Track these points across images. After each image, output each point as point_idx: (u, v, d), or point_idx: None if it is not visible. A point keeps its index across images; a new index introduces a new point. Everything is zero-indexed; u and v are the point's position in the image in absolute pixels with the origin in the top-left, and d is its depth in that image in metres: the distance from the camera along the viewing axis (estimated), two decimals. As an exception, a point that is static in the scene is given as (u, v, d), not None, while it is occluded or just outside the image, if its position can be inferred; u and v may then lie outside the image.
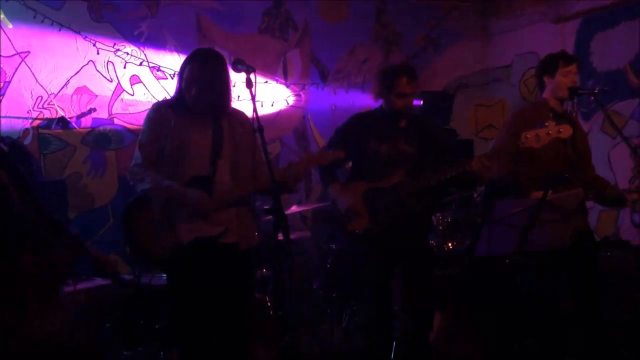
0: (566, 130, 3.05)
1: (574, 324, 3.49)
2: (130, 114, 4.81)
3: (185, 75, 2.81)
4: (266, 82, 5.37)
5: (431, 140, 3.48)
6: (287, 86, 5.54)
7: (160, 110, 2.90)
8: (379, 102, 3.52)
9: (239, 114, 2.99)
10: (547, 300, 3.44)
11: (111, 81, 4.76)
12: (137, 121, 4.72)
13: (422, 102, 5.58)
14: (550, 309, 3.43)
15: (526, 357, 3.61)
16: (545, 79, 3.47)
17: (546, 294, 3.44)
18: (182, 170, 2.80)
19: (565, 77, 3.40)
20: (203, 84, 2.78)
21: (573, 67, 3.42)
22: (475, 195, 4.97)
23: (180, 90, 2.86)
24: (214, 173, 2.81)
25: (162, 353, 3.64)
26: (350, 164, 3.64)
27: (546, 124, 3.07)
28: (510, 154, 3.42)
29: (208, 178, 2.80)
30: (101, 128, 4.71)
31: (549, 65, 3.46)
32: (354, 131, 3.49)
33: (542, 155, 3.41)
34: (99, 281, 3.84)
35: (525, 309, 3.57)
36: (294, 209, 4.73)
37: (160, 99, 4.41)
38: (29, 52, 4.33)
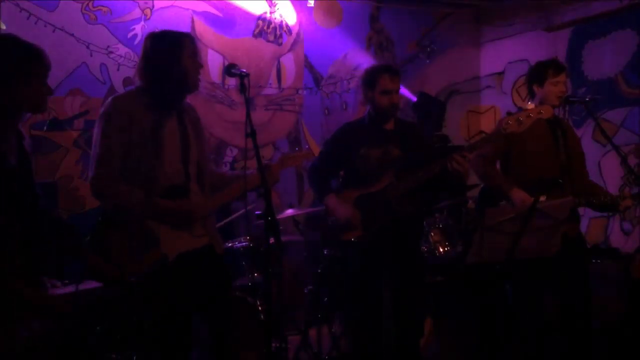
0: (547, 111, 3.07)
1: (559, 331, 3.51)
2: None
3: (186, 52, 2.62)
4: (260, 86, 5.38)
5: (417, 143, 3.51)
6: (281, 91, 5.55)
7: (126, 107, 2.58)
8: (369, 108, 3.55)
9: (190, 106, 2.83)
10: (532, 307, 3.46)
11: (104, 83, 4.75)
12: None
13: (417, 98, 5.64)
14: (535, 317, 3.46)
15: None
16: (535, 87, 3.50)
17: (532, 302, 3.46)
18: (155, 180, 2.58)
19: (555, 87, 3.43)
20: (199, 57, 2.69)
21: (562, 77, 3.45)
22: (469, 202, 4.99)
23: (169, 76, 2.58)
24: (188, 181, 2.67)
25: (152, 356, 3.62)
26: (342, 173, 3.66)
27: (526, 107, 3.10)
28: (496, 153, 3.45)
29: (182, 187, 2.64)
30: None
31: (538, 74, 3.48)
32: (344, 140, 3.50)
33: (535, 160, 3.44)
34: (91, 284, 3.82)
35: (512, 317, 3.59)
36: (286, 213, 4.73)
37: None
38: (22, 53, 4.32)
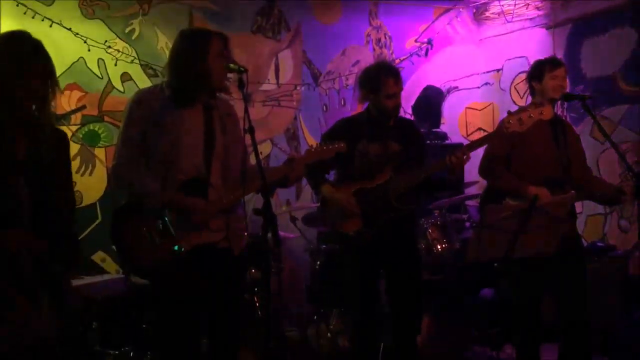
0: (547, 112, 3.08)
1: (556, 331, 3.51)
2: (120, 111, 4.76)
3: (213, 51, 2.63)
4: (258, 82, 5.36)
5: (415, 141, 3.51)
6: (279, 87, 5.53)
7: (147, 100, 2.65)
8: (365, 105, 3.53)
9: (225, 103, 2.84)
10: (529, 306, 3.47)
11: (102, 78, 4.73)
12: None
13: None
14: (531, 316, 3.46)
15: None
16: (534, 84, 3.53)
17: (529, 300, 3.46)
18: (174, 172, 2.62)
19: (554, 80, 3.46)
20: (227, 58, 2.67)
21: (560, 71, 3.47)
22: (467, 200, 5.00)
23: (191, 72, 2.60)
24: (208, 175, 2.68)
25: (149, 353, 3.62)
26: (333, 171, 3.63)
27: (527, 108, 3.12)
28: (504, 155, 3.45)
29: (203, 181, 2.66)
30: (91, 125, 4.68)
31: (537, 70, 3.52)
32: (342, 134, 3.48)
33: (536, 159, 3.44)
34: (87, 279, 3.82)
35: (509, 315, 3.59)
36: (284, 209, 4.73)
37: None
38: (19, 47, 4.29)
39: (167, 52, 4.84)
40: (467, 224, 4.99)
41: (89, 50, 4.62)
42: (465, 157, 3.13)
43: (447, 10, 6.40)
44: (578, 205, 3.63)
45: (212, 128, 2.71)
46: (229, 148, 2.76)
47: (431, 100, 5.73)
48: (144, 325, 3.68)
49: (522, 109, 3.27)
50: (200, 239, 2.63)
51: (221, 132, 2.74)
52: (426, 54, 6.19)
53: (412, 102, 5.88)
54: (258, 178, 2.60)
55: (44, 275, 2.16)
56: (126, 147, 2.62)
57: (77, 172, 4.59)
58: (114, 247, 2.65)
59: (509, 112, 3.10)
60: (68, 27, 4.51)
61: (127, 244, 2.60)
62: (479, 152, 3.56)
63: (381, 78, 3.35)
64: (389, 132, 3.44)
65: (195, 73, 2.62)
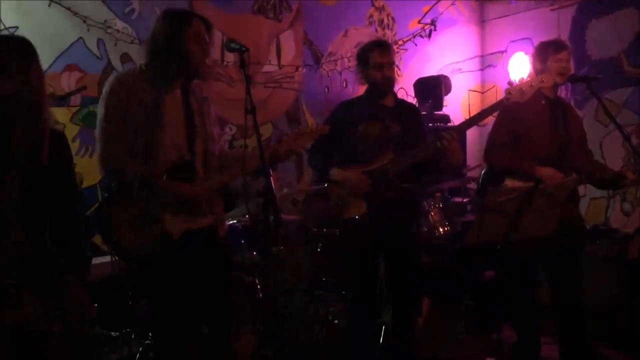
0: (548, 80, 3.08)
1: (550, 313, 3.52)
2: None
3: (191, 32, 2.60)
4: (258, 63, 5.32)
5: (416, 122, 3.49)
6: (280, 68, 5.49)
7: (128, 81, 2.61)
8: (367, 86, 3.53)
9: (202, 87, 2.81)
10: (527, 289, 3.47)
11: (101, 59, 4.69)
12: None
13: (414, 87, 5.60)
14: (528, 298, 3.47)
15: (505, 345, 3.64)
16: (538, 66, 3.51)
17: (528, 283, 3.47)
18: (157, 153, 2.57)
19: (557, 63, 3.44)
20: (206, 43, 2.66)
21: (564, 54, 3.45)
22: (470, 183, 4.98)
23: (170, 52, 2.57)
24: (193, 159, 2.65)
25: (149, 334, 3.62)
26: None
27: (527, 77, 3.11)
28: (511, 138, 3.42)
29: (187, 165, 2.64)
30: (91, 107, 4.65)
31: (541, 52, 3.49)
32: (343, 117, 3.48)
33: (532, 138, 3.43)
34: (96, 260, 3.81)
35: (506, 297, 3.59)
36: (285, 191, 4.71)
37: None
38: (17, 27, 4.26)
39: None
40: (469, 207, 4.98)
41: (88, 30, 4.57)
42: (451, 138, 3.14)
43: (451, -9, 6.34)
44: (581, 188, 3.61)
45: (191, 111, 2.68)
46: (207, 132, 2.74)
47: (430, 82, 5.69)
48: (144, 307, 3.68)
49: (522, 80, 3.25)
50: (188, 225, 2.61)
51: (199, 114, 2.72)
52: (429, 35, 6.13)
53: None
54: (237, 164, 2.60)
55: (29, 273, 2.15)
56: (112, 133, 2.57)
57: (77, 154, 4.56)
58: (100, 233, 2.63)
59: (510, 83, 3.08)
60: (67, 7, 4.46)
61: (114, 229, 2.54)
62: (484, 137, 3.55)
63: (367, 50, 3.41)
64: (388, 112, 3.43)
65: (173, 55, 2.59)
